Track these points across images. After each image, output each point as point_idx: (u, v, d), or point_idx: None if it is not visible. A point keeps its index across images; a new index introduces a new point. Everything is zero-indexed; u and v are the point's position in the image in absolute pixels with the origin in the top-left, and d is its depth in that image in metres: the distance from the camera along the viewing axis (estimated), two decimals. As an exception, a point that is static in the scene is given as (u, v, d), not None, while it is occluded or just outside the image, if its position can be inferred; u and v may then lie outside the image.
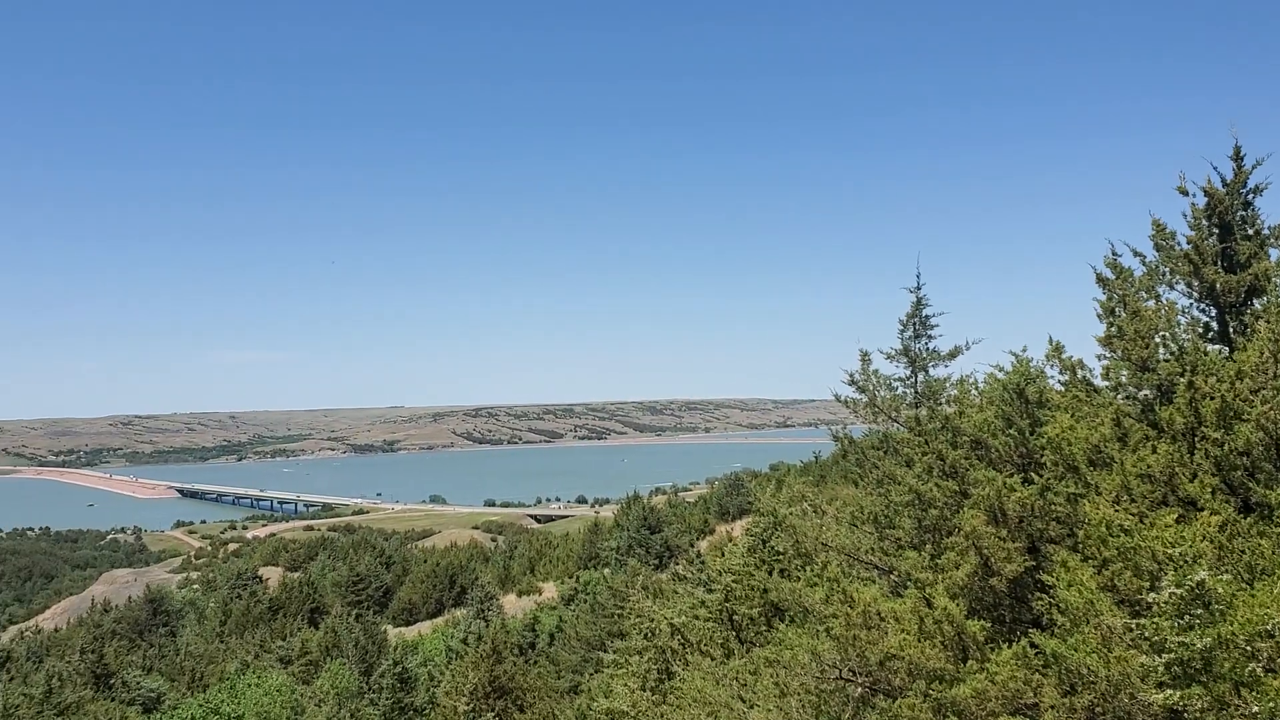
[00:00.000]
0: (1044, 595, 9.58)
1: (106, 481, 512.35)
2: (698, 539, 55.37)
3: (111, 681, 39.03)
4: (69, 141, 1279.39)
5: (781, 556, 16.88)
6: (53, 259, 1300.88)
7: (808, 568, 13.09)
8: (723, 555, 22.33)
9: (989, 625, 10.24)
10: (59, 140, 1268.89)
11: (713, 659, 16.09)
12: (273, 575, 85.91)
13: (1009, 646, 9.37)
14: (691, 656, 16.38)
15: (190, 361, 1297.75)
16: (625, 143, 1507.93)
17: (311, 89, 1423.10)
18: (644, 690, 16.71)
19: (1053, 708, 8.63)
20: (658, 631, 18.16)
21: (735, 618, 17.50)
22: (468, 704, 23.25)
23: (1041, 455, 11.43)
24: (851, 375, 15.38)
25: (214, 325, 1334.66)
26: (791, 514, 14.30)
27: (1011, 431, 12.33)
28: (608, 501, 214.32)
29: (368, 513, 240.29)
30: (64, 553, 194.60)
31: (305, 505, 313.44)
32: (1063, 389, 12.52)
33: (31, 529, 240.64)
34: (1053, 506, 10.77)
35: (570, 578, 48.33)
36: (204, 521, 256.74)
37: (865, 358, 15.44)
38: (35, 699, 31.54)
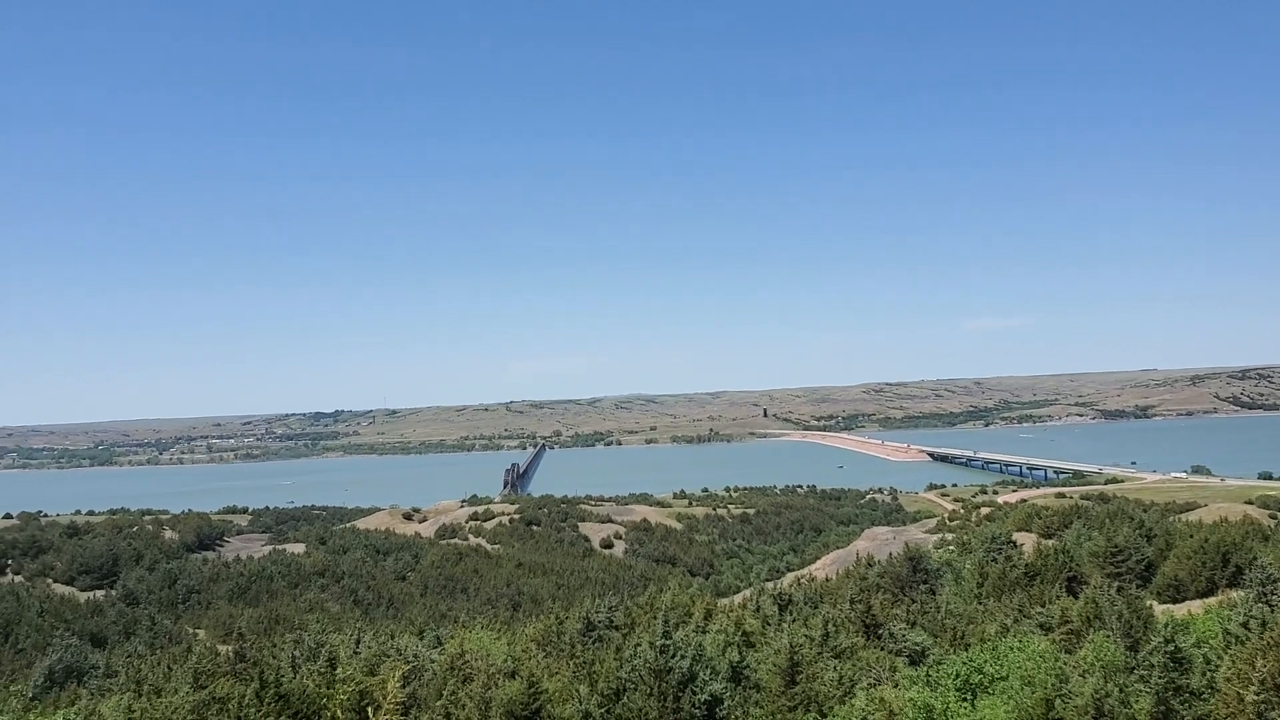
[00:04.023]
0: None
1: (858, 444, 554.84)
2: None
3: (879, 632, 41.87)
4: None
5: None
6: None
7: None
8: None
9: None
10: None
11: None
12: (1026, 541, 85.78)
13: None
14: None
15: (939, 331, 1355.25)
16: None
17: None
18: None
19: None
20: None
21: None
22: (1256, 694, 21.06)
23: None
24: None
25: (962, 295, 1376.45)
26: None
27: None
28: None
29: (1121, 482, 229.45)
30: (829, 509, 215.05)
31: (1055, 472, 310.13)
32: None
33: (800, 486, 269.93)
34: None
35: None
36: (954, 485, 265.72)
37: None
38: (815, 640, 35.17)
